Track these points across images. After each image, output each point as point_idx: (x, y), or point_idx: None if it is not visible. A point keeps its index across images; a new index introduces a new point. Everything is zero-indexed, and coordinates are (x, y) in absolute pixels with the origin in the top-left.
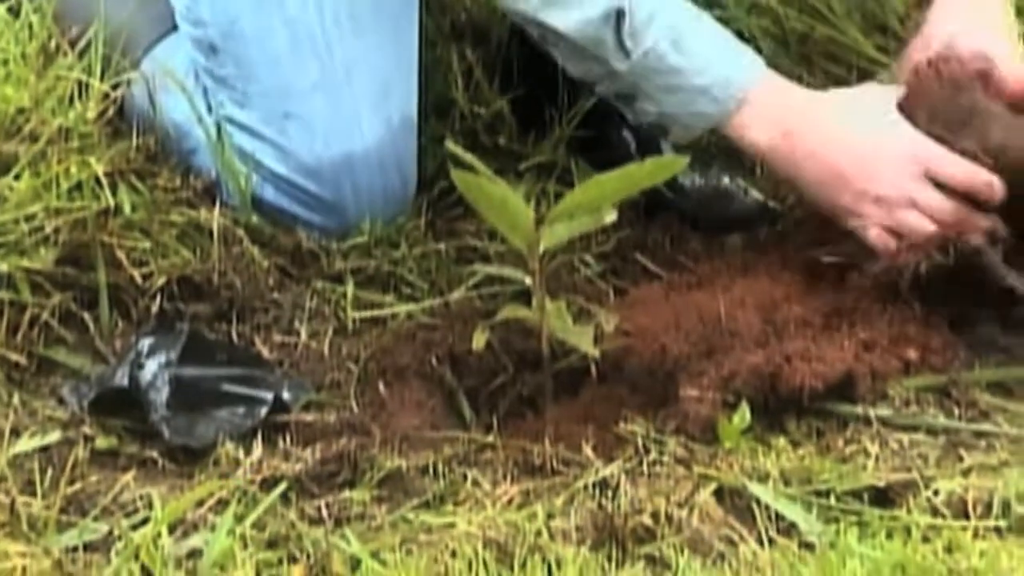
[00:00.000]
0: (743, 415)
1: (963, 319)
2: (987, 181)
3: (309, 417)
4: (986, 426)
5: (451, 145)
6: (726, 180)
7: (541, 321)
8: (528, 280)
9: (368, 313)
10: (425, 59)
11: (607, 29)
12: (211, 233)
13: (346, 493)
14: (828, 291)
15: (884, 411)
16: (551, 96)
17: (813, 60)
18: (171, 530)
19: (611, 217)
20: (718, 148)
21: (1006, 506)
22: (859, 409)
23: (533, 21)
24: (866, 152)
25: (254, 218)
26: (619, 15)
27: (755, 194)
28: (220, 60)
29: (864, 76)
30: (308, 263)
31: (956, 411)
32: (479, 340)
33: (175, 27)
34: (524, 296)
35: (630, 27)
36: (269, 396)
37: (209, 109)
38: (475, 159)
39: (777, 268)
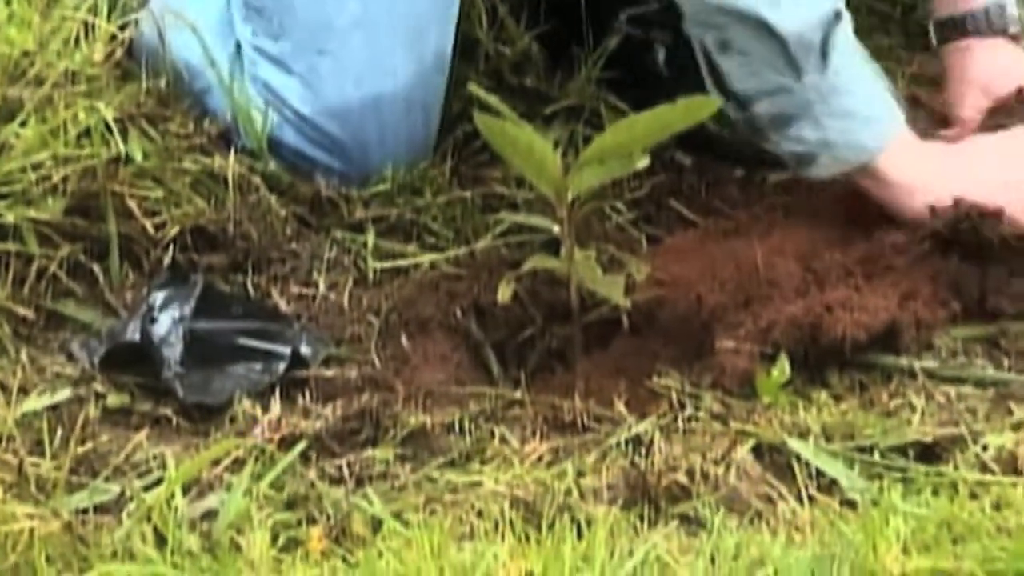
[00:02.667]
0: (782, 368)
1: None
2: None
3: (329, 372)
4: None
5: (475, 87)
6: None
7: (570, 271)
8: (556, 228)
9: (390, 263)
10: None
11: (819, 33)
12: (226, 181)
13: (368, 451)
14: (870, 238)
15: (930, 363)
16: (577, 34)
17: None
18: (185, 491)
19: (643, 162)
20: None
21: None
22: (904, 361)
23: (749, 17)
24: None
25: (271, 165)
26: (836, 18)
27: None
28: None
29: (908, 12)
30: (327, 211)
31: (1005, 362)
32: (506, 291)
33: None
34: (552, 245)
35: (838, 35)
36: (287, 351)
37: (237, 48)
38: (500, 102)
39: (817, 214)
